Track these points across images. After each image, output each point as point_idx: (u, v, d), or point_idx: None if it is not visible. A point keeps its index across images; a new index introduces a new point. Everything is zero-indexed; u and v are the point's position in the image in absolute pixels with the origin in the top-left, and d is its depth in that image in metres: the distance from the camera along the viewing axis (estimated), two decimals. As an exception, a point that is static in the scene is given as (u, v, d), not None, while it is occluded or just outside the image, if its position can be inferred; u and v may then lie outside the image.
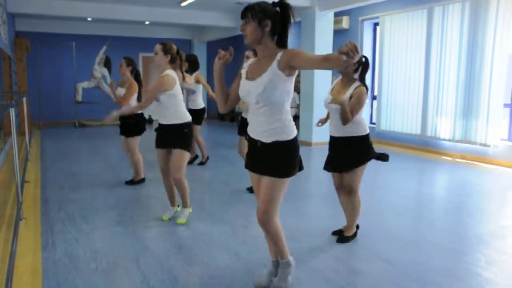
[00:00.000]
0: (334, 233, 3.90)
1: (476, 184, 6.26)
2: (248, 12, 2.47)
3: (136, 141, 5.66)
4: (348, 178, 3.65)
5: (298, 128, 10.48)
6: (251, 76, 2.56)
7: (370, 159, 3.65)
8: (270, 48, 2.51)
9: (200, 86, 6.91)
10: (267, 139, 2.56)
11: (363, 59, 3.64)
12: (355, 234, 3.82)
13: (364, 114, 3.70)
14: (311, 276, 3.10)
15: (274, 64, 2.45)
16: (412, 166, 7.38)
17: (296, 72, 2.51)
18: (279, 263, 2.81)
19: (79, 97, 12.26)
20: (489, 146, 7.33)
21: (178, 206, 4.43)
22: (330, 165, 3.74)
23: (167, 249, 3.60)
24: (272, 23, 2.47)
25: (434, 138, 8.36)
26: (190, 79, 6.73)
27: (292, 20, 2.54)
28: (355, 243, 3.77)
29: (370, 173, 7.38)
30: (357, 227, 3.85)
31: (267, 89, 2.45)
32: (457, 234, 4.04)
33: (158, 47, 4.07)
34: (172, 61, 4.09)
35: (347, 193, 3.70)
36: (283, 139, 2.55)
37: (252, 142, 2.66)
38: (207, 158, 7.17)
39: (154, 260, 3.36)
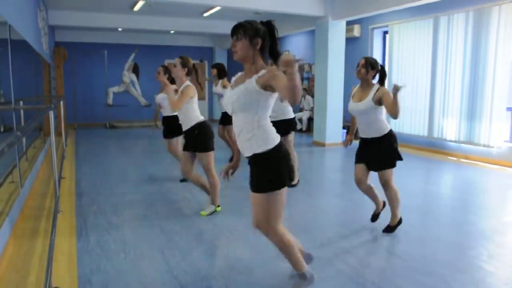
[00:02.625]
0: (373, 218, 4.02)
1: (480, 183, 6.17)
2: (240, 29, 2.41)
3: (178, 142, 5.79)
4: (383, 174, 3.73)
5: (312, 130, 10.48)
6: (234, 87, 2.54)
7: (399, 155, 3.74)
8: (258, 65, 2.44)
9: (228, 91, 6.96)
10: (246, 152, 2.49)
11: (379, 67, 3.73)
12: (399, 222, 3.86)
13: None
14: (323, 268, 3.09)
15: (254, 78, 2.38)
16: (419, 165, 7.30)
17: (275, 92, 2.36)
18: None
19: (110, 101, 12.43)
20: (492, 147, 7.21)
21: (218, 206, 4.42)
22: (364, 161, 3.83)
23: (190, 242, 3.63)
24: (262, 41, 2.42)
25: (440, 139, 8.26)
26: (217, 83, 7.04)
27: (277, 38, 2.51)
28: (366, 237, 3.75)
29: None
30: (400, 219, 3.88)
31: (240, 98, 2.40)
32: (461, 230, 3.99)
33: (177, 60, 4.24)
34: (188, 73, 4.25)
35: (384, 188, 3.80)
36: (257, 152, 2.42)
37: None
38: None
39: (178, 251, 3.39)
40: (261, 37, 2.41)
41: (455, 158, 7.78)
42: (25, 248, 3.46)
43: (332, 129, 9.39)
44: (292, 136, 5.41)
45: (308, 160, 8.02)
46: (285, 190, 2.45)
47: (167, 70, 5.57)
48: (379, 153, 3.68)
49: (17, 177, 4.17)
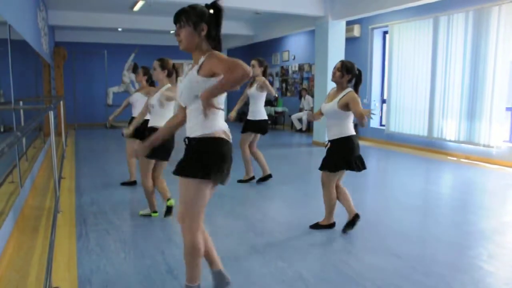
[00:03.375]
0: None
1: (479, 183, 6.17)
2: (182, 16, 2.18)
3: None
4: (322, 174, 3.85)
5: (311, 130, 10.47)
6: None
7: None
8: (203, 53, 2.22)
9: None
10: (189, 133, 2.28)
11: (357, 71, 3.72)
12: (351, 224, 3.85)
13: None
14: (324, 268, 3.10)
15: (195, 68, 2.21)
16: (419, 165, 7.30)
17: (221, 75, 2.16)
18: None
19: (110, 101, 12.42)
20: (492, 147, 7.22)
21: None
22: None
23: (190, 241, 3.62)
24: (208, 27, 2.19)
25: (440, 139, 8.26)
26: None
27: (221, 23, 2.24)
28: (366, 237, 3.75)
29: (379, 172, 7.34)
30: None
31: (183, 93, 2.26)
32: (461, 230, 3.99)
33: (155, 63, 4.11)
34: (169, 75, 4.13)
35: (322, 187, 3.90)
36: (198, 135, 2.22)
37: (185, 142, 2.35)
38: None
39: (178, 251, 3.39)
40: (206, 22, 2.19)
41: (455, 158, 7.79)
42: (25, 248, 3.46)
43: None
44: (258, 137, 5.62)
45: (308, 160, 8.02)
46: (208, 187, 2.30)
47: (146, 71, 5.39)
48: (327, 153, 3.75)
49: (17, 177, 4.17)
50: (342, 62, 3.74)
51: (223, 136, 2.26)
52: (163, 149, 3.89)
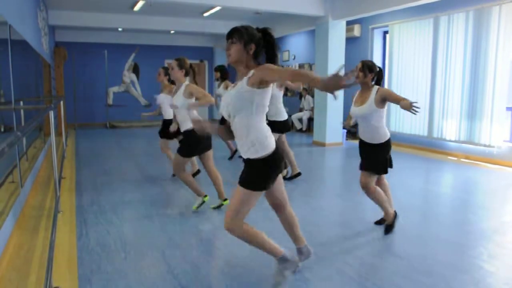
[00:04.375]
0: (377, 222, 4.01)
1: (480, 183, 6.17)
2: (235, 34, 2.45)
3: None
4: (364, 175, 3.72)
5: (312, 129, 10.48)
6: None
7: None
8: (250, 68, 2.48)
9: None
10: (243, 155, 2.56)
11: (378, 69, 3.70)
12: (395, 217, 3.87)
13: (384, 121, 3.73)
14: (324, 269, 3.10)
15: (245, 80, 2.42)
16: (419, 165, 7.30)
17: (270, 86, 2.44)
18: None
19: (110, 101, 12.43)
20: (492, 147, 7.22)
21: (205, 196, 4.50)
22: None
23: (190, 242, 3.64)
24: (256, 47, 2.46)
25: (440, 139, 8.26)
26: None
27: (277, 46, 2.51)
28: (366, 237, 3.75)
29: (379, 171, 7.33)
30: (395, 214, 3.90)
31: (232, 102, 2.45)
32: (461, 230, 3.99)
33: (174, 63, 4.26)
34: (186, 74, 4.28)
35: (364, 191, 3.77)
36: (252, 157, 2.50)
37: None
38: (235, 151, 7.36)
39: (179, 251, 3.39)
40: (255, 43, 2.45)
41: (455, 158, 7.78)
42: (26, 247, 3.46)
43: (332, 129, 9.39)
44: (284, 137, 5.65)
45: (308, 160, 8.03)
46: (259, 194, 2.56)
47: (167, 71, 5.59)
48: (370, 156, 3.72)
49: (17, 177, 4.17)
50: (362, 62, 3.70)
51: (274, 147, 2.52)
52: (205, 142, 4.24)
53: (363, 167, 3.73)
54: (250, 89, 2.38)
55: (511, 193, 5.61)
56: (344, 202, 5.01)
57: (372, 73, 3.65)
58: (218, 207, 4.48)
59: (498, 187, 5.89)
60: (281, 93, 5.58)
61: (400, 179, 6.07)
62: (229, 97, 2.48)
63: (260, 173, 2.51)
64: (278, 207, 2.86)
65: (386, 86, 9.79)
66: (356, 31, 10.11)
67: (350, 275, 2.98)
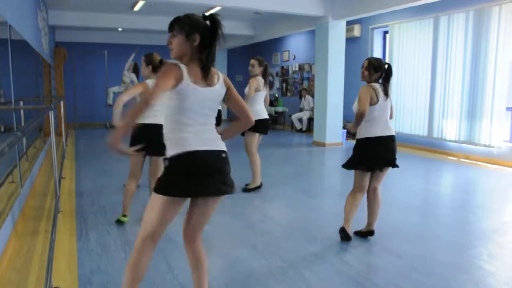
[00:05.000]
0: (357, 233, 3.78)
1: (480, 183, 6.17)
2: (175, 25, 2.18)
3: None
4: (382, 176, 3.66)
5: (312, 130, 10.47)
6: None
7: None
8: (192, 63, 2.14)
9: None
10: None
11: (386, 66, 3.54)
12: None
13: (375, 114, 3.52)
14: (324, 269, 3.10)
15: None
16: (419, 165, 7.30)
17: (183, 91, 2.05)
18: None
19: (110, 101, 12.41)
20: (492, 147, 7.22)
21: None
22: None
23: (190, 241, 3.63)
24: (201, 38, 2.12)
25: (440, 139, 8.26)
26: None
27: (221, 36, 2.16)
28: (366, 237, 3.74)
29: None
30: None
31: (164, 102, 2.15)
32: (461, 230, 3.99)
33: (142, 59, 4.03)
34: (154, 71, 3.99)
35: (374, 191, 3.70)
36: (167, 156, 2.11)
37: None
38: None
39: (178, 251, 3.39)
40: (198, 33, 2.12)
41: (455, 158, 7.78)
42: (26, 248, 3.46)
43: (332, 129, 9.39)
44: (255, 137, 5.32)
45: (308, 160, 8.02)
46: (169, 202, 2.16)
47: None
48: (392, 149, 3.62)
49: (17, 177, 4.17)
50: (369, 60, 3.57)
51: (178, 152, 2.09)
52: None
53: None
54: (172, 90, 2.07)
55: (511, 193, 5.61)
56: (344, 202, 5.00)
57: (377, 72, 3.53)
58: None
59: (498, 187, 5.89)
60: (257, 93, 5.24)
61: (400, 179, 6.07)
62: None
63: (165, 174, 2.14)
64: (191, 240, 2.47)
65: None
66: (356, 31, 10.12)
67: (350, 275, 2.98)
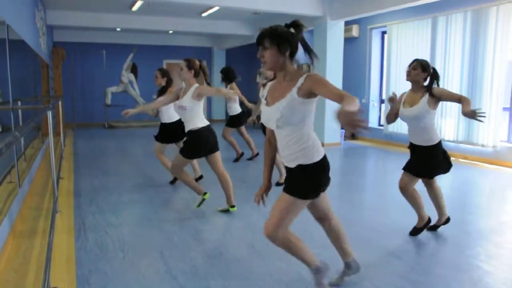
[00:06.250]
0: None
1: (477, 183, 6.18)
2: (265, 38, 2.26)
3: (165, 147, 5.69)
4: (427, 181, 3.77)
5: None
6: (270, 102, 2.39)
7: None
8: (292, 73, 2.33)
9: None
10: (291, 164, 2.40)
11: (432, 70, 3.53)
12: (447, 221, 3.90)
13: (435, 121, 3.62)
14: (321, 268, 3.09)
15: (294, 91, 2.25)
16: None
17: (317, 96, 2.27)
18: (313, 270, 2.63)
19: (108, 101, 12.39)
20: (490, 147, 7.23)
21: (205, 193, 4.46)
22: (410, 169, 3.70)
23: (188, 242, 3.63)
24: (290, 47, 2.27)
25: (438, 139, 8.27)
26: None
27: (303, 40, 2.33)
28: (364, 238, 3.75)
29: (379, 172, 7.35)
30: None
31: (284, 115, 2.27)
32: (459, 229, 4.00)
33: (183, 63, 4.19)
34: (196, 75, 4.19)
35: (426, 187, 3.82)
36: (304, 163, 2.34)
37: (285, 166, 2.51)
38: (242, 154, 7.40)
39: (177, 251, 3.39)
40: (288, 43, 2.27)
41: (453, 158, 7.73)
42: (24, 248, 3.46)
43: (330, 129, 9.39)
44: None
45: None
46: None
47: (164, 73, 5.46)
48: (419, 158, 3.64)
49: (15, 177, 4.16)
50: (417, 60, 3.55)
51: (323, 153, 2.45)
52: (211, 143, 4.20)
53: (406, 167, 3.68)
54: (302, 100, 2.24)
55: (508, 193, 5.62)
56: (343, 202, 5.00)
57: (425, 72, 3.50)
58: (225, 211, 4.42)
59: (496, 187, 5.90)
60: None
61: (398, 179, 6.08)
62: (278, 111, 2.28)
63: (312, 179, 2.37)
64: (322, 220, 2.74)
65: (384, 87, 9.80)
66: (355, 31, 10.12)
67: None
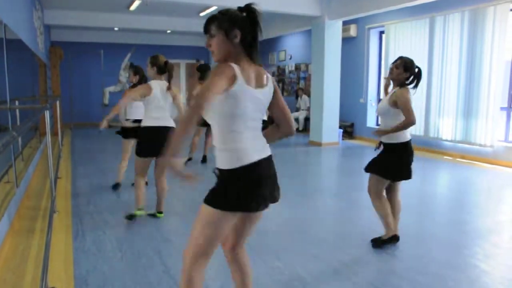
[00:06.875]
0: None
1: (475, 183, 6.19)
2: (211, 24, 1.92)
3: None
4: (369, 179, 3.66)
5: (308, 129, 10.48)
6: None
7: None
8: (245, 64, 1.89)
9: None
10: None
11: (416, 70, 3.41)
12: (392, 239, 3.51)
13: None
14: (320, 268, 3.10)
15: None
16: (415, 165, 7.25)
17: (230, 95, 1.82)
18: None
19: (106, 100, 12.37)
20: (488, 146, 7.25)
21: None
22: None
23: (186, 242, 3.62)
24: (242, 33, 1.88)
25: (436, 139, 8.29)
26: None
27: (261, 28, 1.92)
28: (362, 237, 3.75)
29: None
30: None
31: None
32: (457, 229, 4.00)
33: (148, 60, 4.05)
34: (159, 72, 4.01)
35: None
36: (221, 167, 1.92)
37: None
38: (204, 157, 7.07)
39: (175, 251, 3.39)
40: (238, 28, 1.88)
41: (451, 158, 7.81)
42: (21, 248, 3.45)
43: (329, 129, 9.40)
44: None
45: (305, 159, 8.03)
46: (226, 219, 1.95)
47: (136, 71, 5.20)
48: (381, 157, 3.56)
49: (12, 177, 4.16)
50: (402, 59, 3.41)
51: (238, 165, 1.89)
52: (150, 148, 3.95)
53: (367, 168, 3.58)
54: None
55: (506, 192, 5.63)
56: (340, 201, 5.01)
57: (407, 72, 3.37)
58: (152, 215, 4.26)
59: (494, 186, 5.92)
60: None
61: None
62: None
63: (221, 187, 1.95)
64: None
65: (382, 86, 9.80)
66: (352, 31, 10.13)
67: (347, 274, 2.98)
